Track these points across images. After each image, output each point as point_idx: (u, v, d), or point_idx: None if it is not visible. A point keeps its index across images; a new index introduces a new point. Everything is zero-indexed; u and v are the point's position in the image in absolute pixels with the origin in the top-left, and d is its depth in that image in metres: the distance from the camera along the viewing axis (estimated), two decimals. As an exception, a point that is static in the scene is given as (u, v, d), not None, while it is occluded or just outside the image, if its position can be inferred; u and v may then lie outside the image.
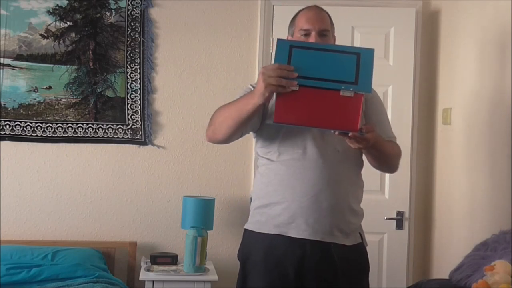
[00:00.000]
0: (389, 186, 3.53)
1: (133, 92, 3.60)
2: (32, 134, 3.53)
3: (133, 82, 3.60)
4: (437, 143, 3.51)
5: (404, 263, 3.52)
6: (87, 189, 3.59)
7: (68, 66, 3.56)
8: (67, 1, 3.56)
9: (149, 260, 3.43)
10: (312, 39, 2.08)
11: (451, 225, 3.27)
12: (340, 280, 2.06)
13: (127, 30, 3.60)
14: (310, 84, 1.83)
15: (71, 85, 3.57)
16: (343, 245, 2.07)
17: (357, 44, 3.52)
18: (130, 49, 3.60)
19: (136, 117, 3.59)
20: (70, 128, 3.56)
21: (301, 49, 1.87)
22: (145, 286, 3.21)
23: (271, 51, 3.57)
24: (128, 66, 3.60)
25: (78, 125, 3.56)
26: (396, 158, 2.16)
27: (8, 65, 3.53)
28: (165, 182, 3.64)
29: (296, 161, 2.06)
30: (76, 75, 3.57)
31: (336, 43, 2.23)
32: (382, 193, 3.54)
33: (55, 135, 3.55)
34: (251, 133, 2.17)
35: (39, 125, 3.53)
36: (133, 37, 3.60)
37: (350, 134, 1.84)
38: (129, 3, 3.60)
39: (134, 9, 3.61)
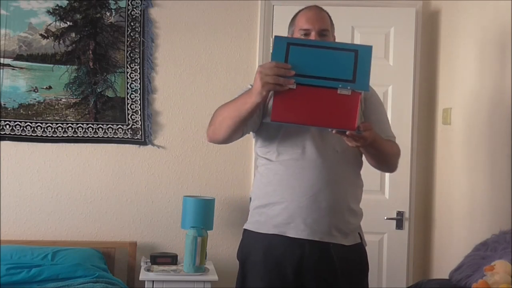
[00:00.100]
0: (389, 186, 3.53)
1: (133, 92, 3.60)
2: (32, 134, 3.53)
3: (133, 82, 3.60)
4: (437, 143, 3.51)
5: (404, 263, 3.52)
6: (87, 189, 3.59)
7: (68, 66, 3.56)
8: (67, 1, 3.56)
9: (149, 260, 3.43)
10: (312, 39, 2.08)
11: (451, 225, 3.27)
12: (339, 280, 2.05)
13: (127, 30, 3.60)
14: (308, 82, 1.82)
15: (71, 85, 3.57)
16: (342, 245, 2.07)
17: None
18: (130, 49, 3.60)
19: (136, 117, 3.59)
20: (70, 128, 3.56)
21: (299, 47, 1.86)
22: (145, 286, 3.21)
23: (271, 51, 3.56)
24: (128, 66, 3.60)
25: (78, 125, 3.56)
26: (395, 157, 2.15)
27: (8, 65, 3.53)
28: (165, 182, 3.64)
29: (295, 161, 2.06)
30: (76, 75, 3.57)
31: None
32: (382, 193, 3.54)
33: (55, 135, 3.55)
34: (251, 133, 2.17)
35: (39, 125, 3.53)
36: (133, 37, 3.60)
37: (347, 132, 1.83)
38: (129, 3, 3.60)
39: (134, 9, 3.61)
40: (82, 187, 3.58)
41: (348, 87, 1.82)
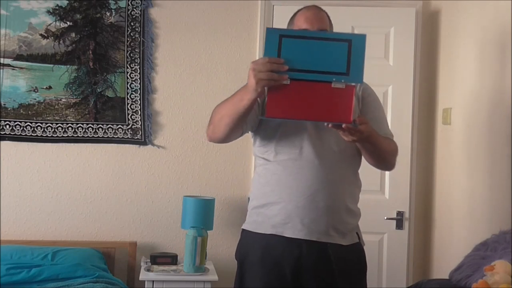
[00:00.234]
0: (389, 186, 3.53)
1: (133, 92, 3.60)
2: (32, 134, 3.53)
3: (133, 82, 3.60)
4: (437, 143, 3.51)
5: (404, 263, 3.52)
6: (87, 189, 3.59)
7: (68, 66, 3.56)
8: (67, 1, 3.56)
9: (149, 260, 3.43)
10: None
11: (451, 225, 3.27)
12: (337, 280, 2.05)
13: (127, 30, 3.60)
14: (301, 77, 1.81)
15: (71, 85, 3.57)
16: (340, 245, 2.07)
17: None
18: (130, 49, 3.61)
19: (136, 117, 3.59)
20: (70, 128, 3.56)
21: (291, 39, 1.84)
22: (145, 286, 3.21)
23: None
24: (128, 66, 3.60)
25: (78, 125, 3.56)
26: (393, 155, 2.14)
27: (8, 65, 3.53)
28: (165, 182, 3.64)
29: (292, 161, 2.06)
30: (76, 75, 3.57)
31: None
32: (382, 193, 3.53)
33: (55, 135, 3.55)
34: (250, 132, 2.17)
35: (39, 125, 3.53)
36: (133, 37, 3.60)
37: (343, 125, 1.82)
38: (129, 3, 3.60)
39: (134, 9, 3.61)
40: (82, 187, 3.58)
41: (342, 80, 1.81)
